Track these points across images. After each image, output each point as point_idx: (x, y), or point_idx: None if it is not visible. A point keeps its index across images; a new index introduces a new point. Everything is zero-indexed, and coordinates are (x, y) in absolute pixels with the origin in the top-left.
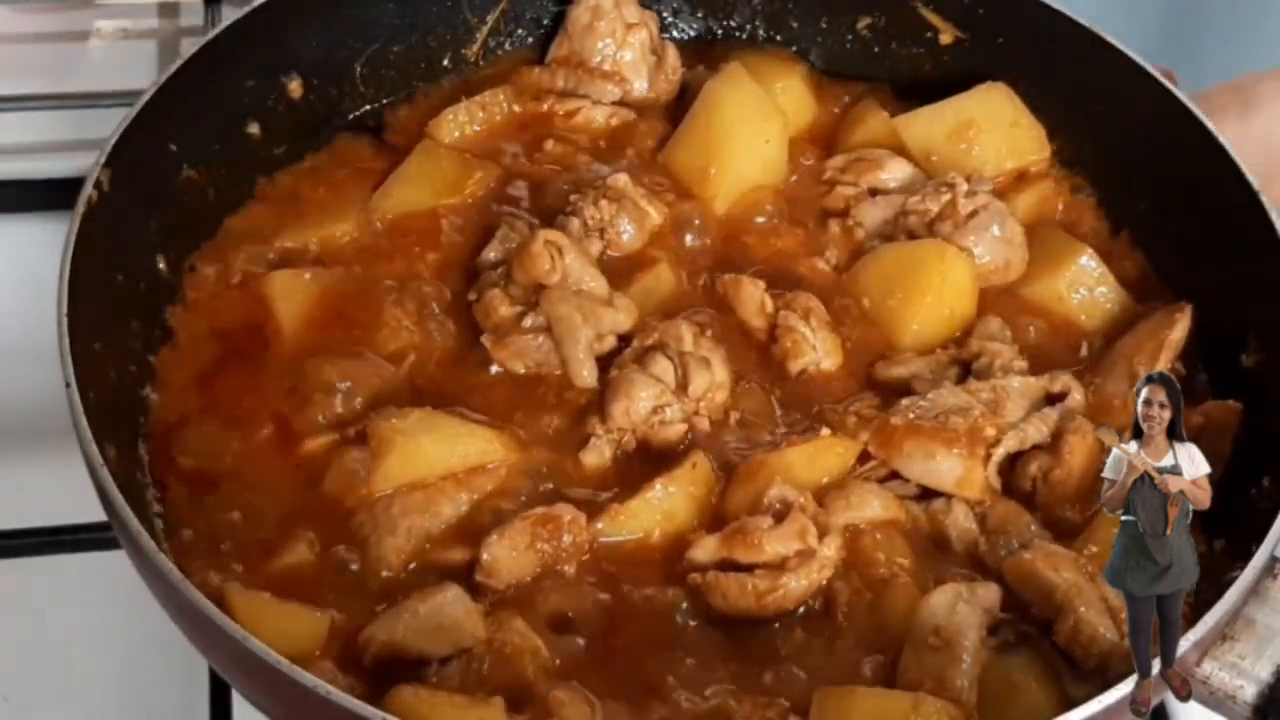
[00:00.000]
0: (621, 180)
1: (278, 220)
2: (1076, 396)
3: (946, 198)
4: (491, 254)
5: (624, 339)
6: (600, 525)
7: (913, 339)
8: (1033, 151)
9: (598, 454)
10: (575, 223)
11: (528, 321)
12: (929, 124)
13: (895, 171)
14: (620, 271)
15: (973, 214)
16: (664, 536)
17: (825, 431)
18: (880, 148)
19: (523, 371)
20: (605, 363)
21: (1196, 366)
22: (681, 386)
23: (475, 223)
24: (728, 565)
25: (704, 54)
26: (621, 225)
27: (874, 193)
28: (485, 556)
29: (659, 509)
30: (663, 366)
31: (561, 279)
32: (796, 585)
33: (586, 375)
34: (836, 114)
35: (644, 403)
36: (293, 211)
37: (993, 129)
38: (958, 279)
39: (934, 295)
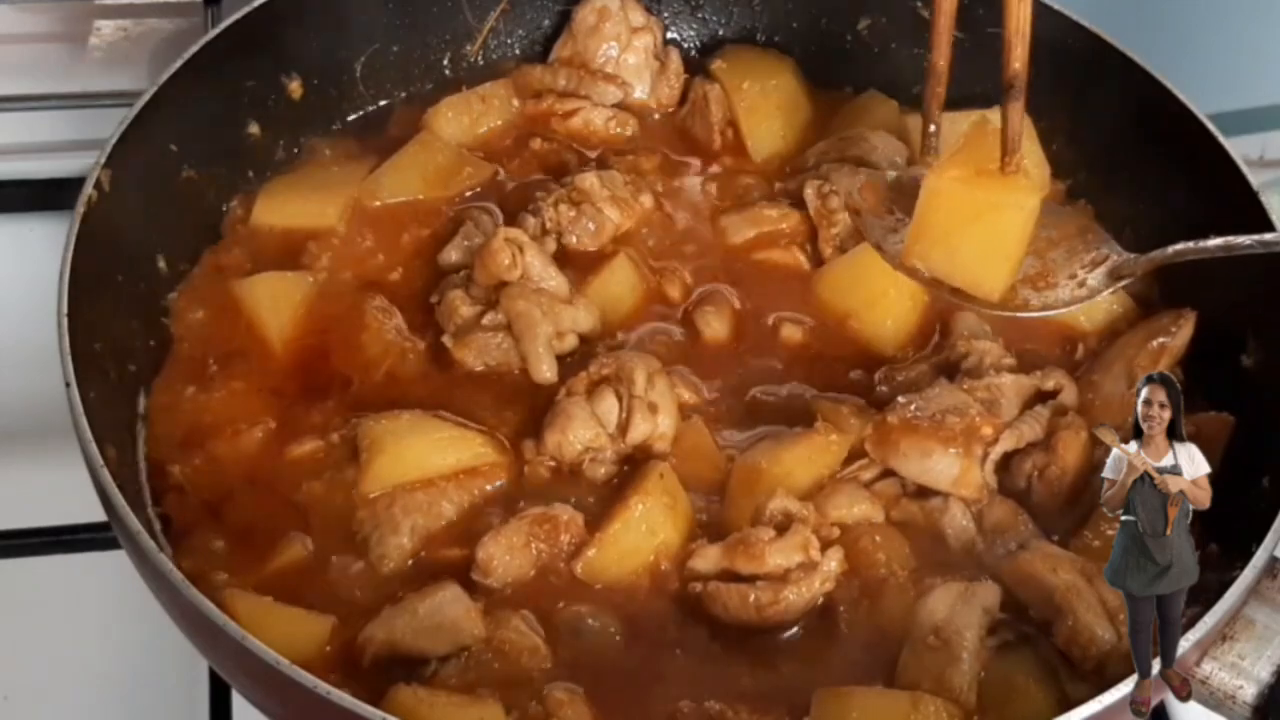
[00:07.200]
0: (588, 181)
1: (271, 214)
2: (1069, 393)
3: None
4: (454, 254)
5: (587, 339)
6: (590, 553)
7: (893, 336)
8: None
9: (536, 477)
10: (532, 221)
11: (487, 319)
12: (949, 130)
13: (878, 143)
14: (584, 264)
15: None
16: (654, 549)
17: (820, 424)
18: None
19: (482, 370)
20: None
21: (1194, 372)
22: (621, 431)
23: (458, 221)
24: (729, 575)
25: (705, 55)
26: (579, 230)
27: (859, 163)
28: (480, 555)
29: (642, 523)
30: (607, 406)
31: (522, 276)
32: (798, 598)
33: (546, 371)
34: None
35: (576, 442)
36: (286, 202)
37: None
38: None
39: (894, 290)
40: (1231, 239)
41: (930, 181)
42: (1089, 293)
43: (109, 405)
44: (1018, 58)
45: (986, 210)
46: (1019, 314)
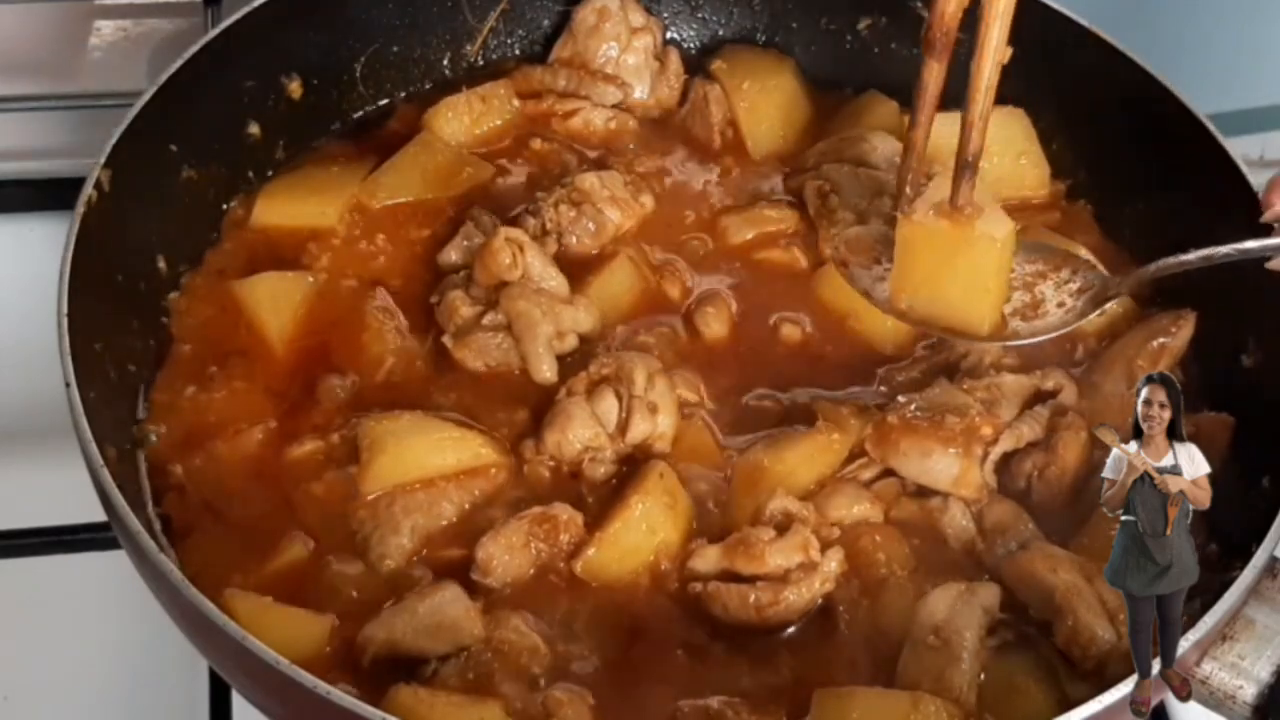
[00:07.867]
0: (588, 181)
1: (271, 214)
2: (1069, 393)
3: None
4: (453, 254)
5: (587, 339)
6: (590, 552)
7: (893, 336)
8: (1033, 186)
9: (536, 477)
10: (532, 222)
11: (487, 319)
12: (939, 131)
13: (878, 143)
14: (584, 264)
15: None
16: (654, 549)
17: (821, 424)
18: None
19: (483, 370)
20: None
21: (1194, 372)
22: (621, 430)
23: (458, 221)
24: (729, 576)
25: (705, 55)
26: (579, 230)
27: (859, 164)
28: (480, 555)
29: (642, 523)
30: (607, 406)
31: (523, 276)
32: (798, 598)
33: (546, 371)
34: (834, 110)
35: (576, 441)
36: (286, 202)
37: (1000, 155)
38: None
39: None
40: (1211, 250)
41: (903, 228)
42: (1077, 315)
43: (109, 405)
44: (974, 141)
45: (961, 246)
46: (1010, 343)
